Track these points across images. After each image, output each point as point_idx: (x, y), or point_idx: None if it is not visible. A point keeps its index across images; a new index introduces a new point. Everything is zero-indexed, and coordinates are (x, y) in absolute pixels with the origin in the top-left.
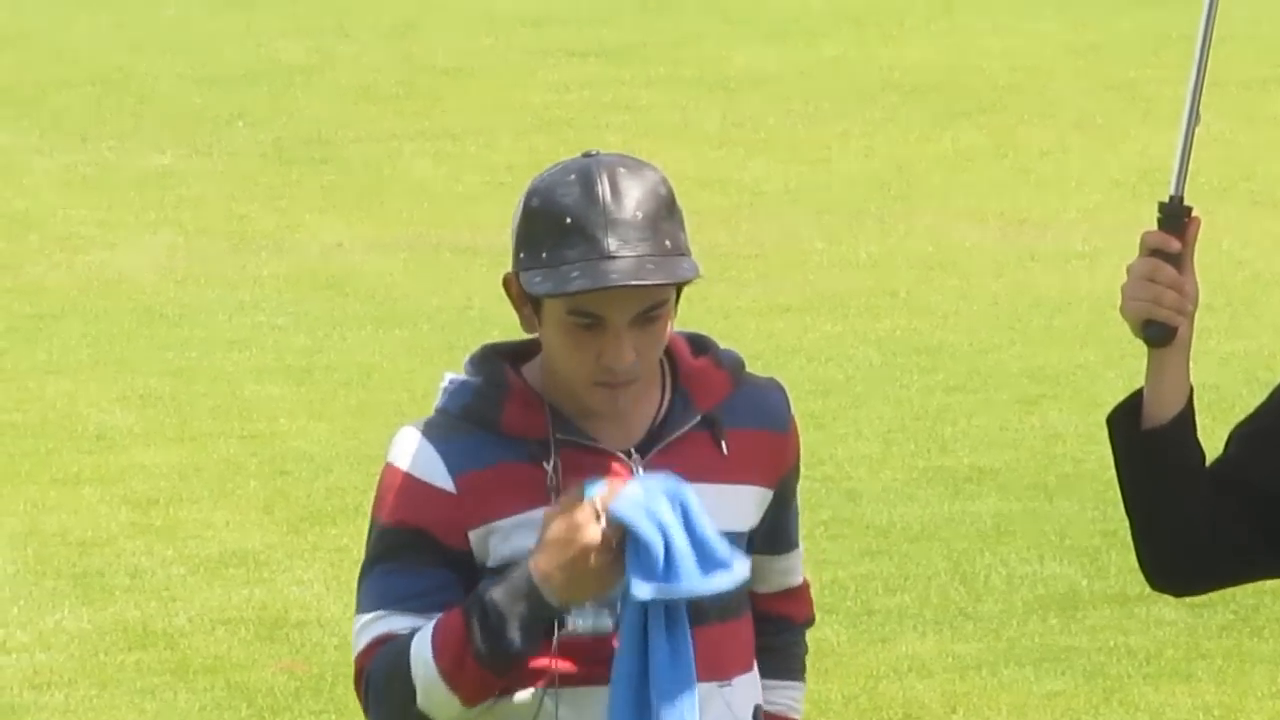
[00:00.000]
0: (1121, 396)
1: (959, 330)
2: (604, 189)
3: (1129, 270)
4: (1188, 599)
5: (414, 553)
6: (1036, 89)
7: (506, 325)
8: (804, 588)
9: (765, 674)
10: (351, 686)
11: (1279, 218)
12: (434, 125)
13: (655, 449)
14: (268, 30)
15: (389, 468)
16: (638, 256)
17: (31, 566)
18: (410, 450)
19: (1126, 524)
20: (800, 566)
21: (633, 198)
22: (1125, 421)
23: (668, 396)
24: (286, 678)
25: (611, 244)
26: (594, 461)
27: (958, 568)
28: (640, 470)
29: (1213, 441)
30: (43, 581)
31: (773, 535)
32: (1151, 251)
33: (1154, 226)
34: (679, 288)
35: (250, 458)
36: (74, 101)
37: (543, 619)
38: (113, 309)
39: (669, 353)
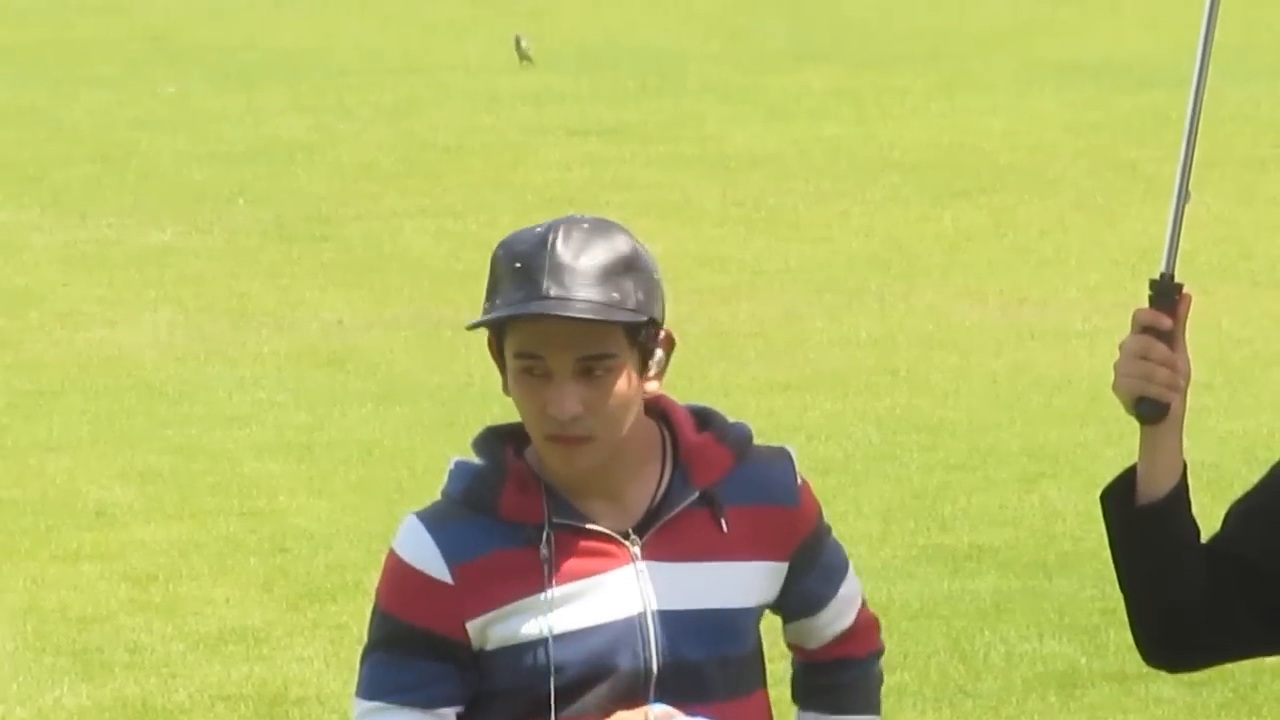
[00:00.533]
0: None
1: (959, 409)
2: (557, 237)
3: (1121, 348)
4: (1186, 677)
5: (409, 647)
6: (1036, 168)
7: (506, 403)
8: (860, 622)
9: (834, 711)
10: None
11: (1278, 297)
12: (434, 203)
13: (653, 529)
14: (268, 108)
15: (391, 554)
16: (576, 300)
17: (31, 643)
18: (411, 539)
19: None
20: (848, 609)
21: (586, 249)
22: (1119, 498)
23: (668, 474)
24: None
25: (552, 288)
26: (590, 545)
27: (957, 645)
28: (638, 551)
29: (1211, 520)
30: (42, 658)
31: (804, 600)
32: (1143, 329)
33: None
34: (642, 352)
35: (250, 534)
36: (75, 178)
37: None
38: (113, 386)
39: (671, 428)
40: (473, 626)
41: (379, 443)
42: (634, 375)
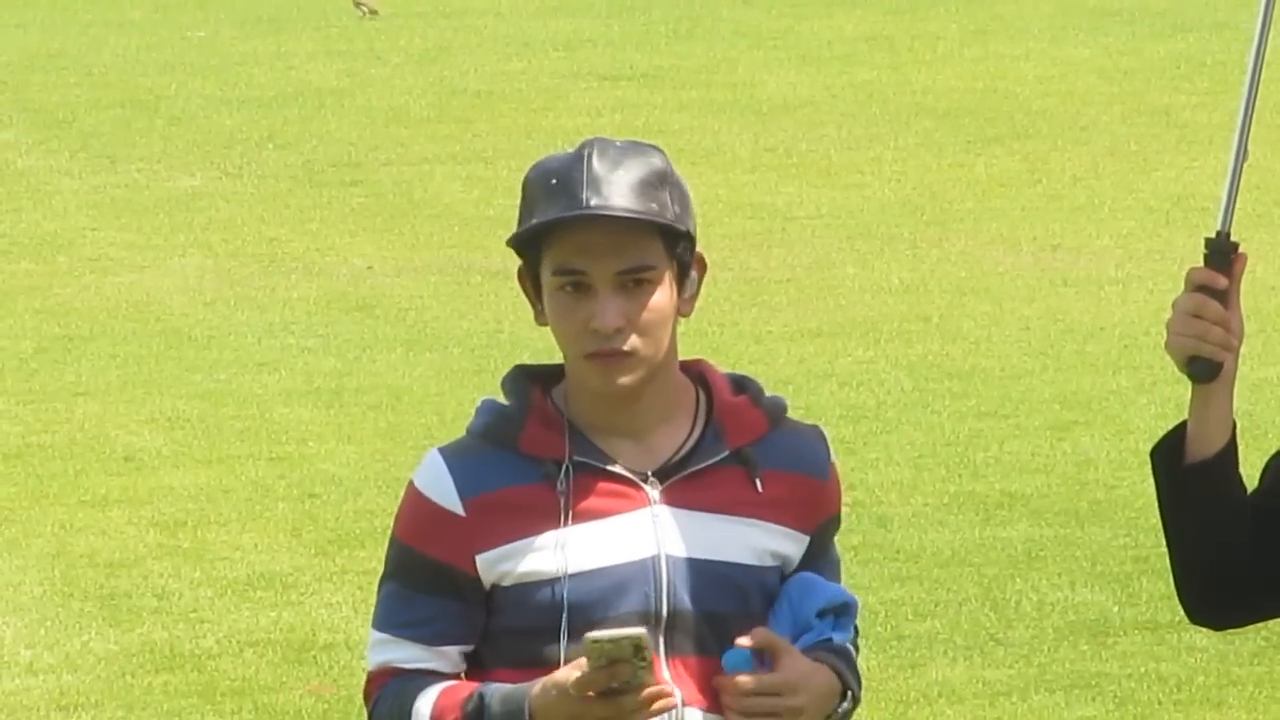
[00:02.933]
0: (1154, 423)
1: (991, 356)
2: (592, 152)
3: (1174, 306)
4: None
5: (418, 577)
6: (1070, 115)
7: (536, 349)
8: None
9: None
10: None
11: None
12: (465, 148)
13: (677, 476)
14: (298, 53)
15: (410, 484)
16: (616, 208)
17: (59, 588)
18: (428, 470)
19: (1157, 551)
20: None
21: (622, 163)
22: (1168, 456)
23: (699, 428)
24: (314, 700)
25: (592, 199)
26: (608, 485)
27: (988, 594)
28: (657, 495)
29: (1245, 468)
30: (70, 603)
31: None
32: (1197, 288)
33: (1187, 253)
34: (680, 267)
35: (279, 480)
36: (104, 123)
37: None
38: (142, 331)
39: (706, 387)
40: (483, 560)
41: (408, 389)
42: (672, 290)
